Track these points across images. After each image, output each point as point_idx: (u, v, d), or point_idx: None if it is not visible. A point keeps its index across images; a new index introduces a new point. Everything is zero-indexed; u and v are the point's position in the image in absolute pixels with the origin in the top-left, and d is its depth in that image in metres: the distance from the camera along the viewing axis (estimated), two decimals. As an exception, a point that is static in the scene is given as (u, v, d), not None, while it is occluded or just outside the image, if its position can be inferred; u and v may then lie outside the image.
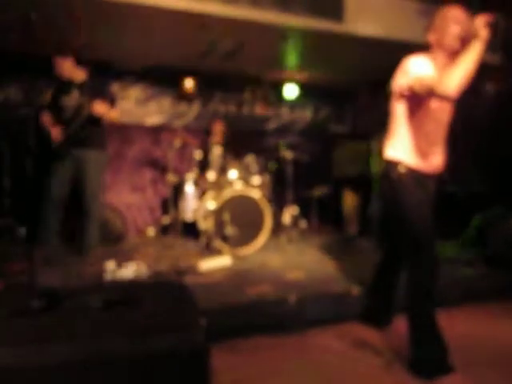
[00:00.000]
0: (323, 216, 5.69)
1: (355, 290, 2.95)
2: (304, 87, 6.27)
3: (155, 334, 1.24)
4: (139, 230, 5.55)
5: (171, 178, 4.93)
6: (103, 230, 4.83)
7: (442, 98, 1.99)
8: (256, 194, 4.28)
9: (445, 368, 2.09)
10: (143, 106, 5.73)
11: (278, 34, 4.25)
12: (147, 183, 5.69)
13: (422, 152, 2.25)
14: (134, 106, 5.69)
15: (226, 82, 6.01)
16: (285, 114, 6.48)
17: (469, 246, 3.99)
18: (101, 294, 1.56)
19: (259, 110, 6.26)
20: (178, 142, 4.89)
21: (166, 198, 5.29)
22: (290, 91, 6.18)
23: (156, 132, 5.74)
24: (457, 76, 1.91)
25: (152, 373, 1.25)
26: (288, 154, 4.88)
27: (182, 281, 2.83)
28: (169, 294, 1.67)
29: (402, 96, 2.22)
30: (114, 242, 4.84)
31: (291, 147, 4.97)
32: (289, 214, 4.97)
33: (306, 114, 6.62)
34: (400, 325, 2.68)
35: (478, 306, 3.13)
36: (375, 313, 2.74)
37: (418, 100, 2.17)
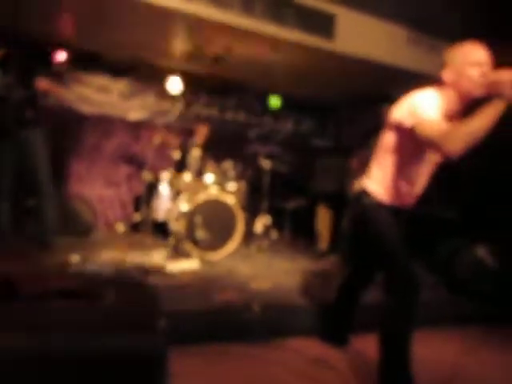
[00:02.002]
0: (296, 229, 5.70)
1: (318, 305, 2.96)
2: (288, 99, 6.31)
3: (111, 333, 1.21)
4: (109, 224, 5.45)
5: (147, 175, 4.87)
6: (71, 220, 4.75)
7: (443, 154, 1.87)
8: (230, 200, 4.27)
9: None
10: (126, 100, 5.66)
11: (268, 44, 4.27)
12: (122, 178, 5.60)
13: (397, 190, 2.21)
14: (117, 99, 5.61)
15: (211, 86, 6.00)
16: (267, 123, 6.50)
17: (433, 271, 4.05)
18: (59, 286, 1.52)
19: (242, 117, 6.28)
20: (157, 140, 4.84)
21: (140, 196, 5.22)
22: (275, 101, 6.20)
23: (136, 128, 5.67)
24: (465, 137, 1.74)
25: (104, 373, 1.22)
26: (266, 164, 4.90)
27: (146, 280, 2.79)
28: (131, 292, 1.64)
29: (399, 130, 2.08)
30: (82, 233, 4.73)
31: (270, 157, 4.99)
32: (261, 223, 4.97)
33: (289, 125, 6.66)
34: (359, 344, 2.71)
35: (435, 330, 3.18)
36: (335, 331, 2.75)
37: (414, 140, 2.00)
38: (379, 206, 2.23)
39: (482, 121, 1.73)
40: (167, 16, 3.83)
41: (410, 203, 2.31)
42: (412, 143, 2.04)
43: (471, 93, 1.96)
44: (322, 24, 4.14)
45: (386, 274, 2.21)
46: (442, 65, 2.06)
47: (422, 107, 1.93)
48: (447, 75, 2.02)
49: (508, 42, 4.16)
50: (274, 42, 4.21)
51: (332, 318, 2.77)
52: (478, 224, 4.13)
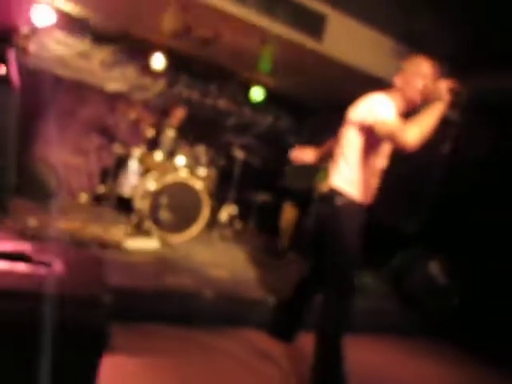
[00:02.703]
0: (261, 222, 5.73)
1: (271, 299, 3.00)
2: (270, 93, 6.30)
3: (53, 301, 1.20)
4: (72, 193, 5.33)
5: (118, 148, 4.79)
6: (33, 183, 4.63)
7: (400, 148, 2.05)
8: (199, 185, 4.25)
9: None
10: (107, 69, 5.53)
11: (257, 35, 4.25)
12: (92, 148, 5.48)
13: (365, 184, 2.32)
14: (97, 67, 5.47)
15: (195, 69, 5.93)
16: (246, 114, 6.48)
17: (387, 281, 4.16)
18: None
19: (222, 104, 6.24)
20: (132, 115, 4.76)
21: (107, 168, 5.13)
22: (257, 94, 6.18)
23: (113, 99, 5.55)
24: (419, 132, 2.01)
25: (41, 341, 1.20)
26: (240, 154, 4.89)
27: (101, 254, 2.75)
28: (80, 263, 1.62)
29: (361, 128, 2.26)
30: (43, 198, 4.62)
31: (245, 148, 4.98)
32: (227, 212, 4.97)
33: (268, 120, 6.66)
34: (305, 342, 2.76)
35: (383, 337, 3.28)
36: (284, 327, 2.79)
37: (374, 136, 2.21)
38: (352, 206, 2.30)
39: (430, 119, 2.05)
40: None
41: (372, 197, 2.43)
42: (372, 138, 2.25)
43: (413, 100, 2.28)
44: (313, 23, 4.15)
45: (332, 277, 2.30)
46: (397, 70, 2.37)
47: (380, 107, 2.18)
48: (398, 81, 2.33)
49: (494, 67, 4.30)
50: (263, 34, 4.19)
51: (284, 314, 2.80)
52: (436, 239, 4.25)
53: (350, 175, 2.31)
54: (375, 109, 2.18)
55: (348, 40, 4.39)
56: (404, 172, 4.00)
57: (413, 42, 4.75)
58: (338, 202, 2.30)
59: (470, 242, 4.02)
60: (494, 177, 4.22)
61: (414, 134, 2.00)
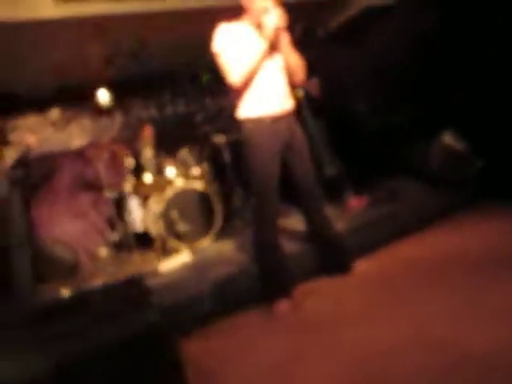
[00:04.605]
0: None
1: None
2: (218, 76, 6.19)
3: (106, 322, 1.17)
4: (91, 254, 5.30)
5: (109, 193, 4.74)
6: (52, 267, 4.59)
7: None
8: (198, 185, 4.20)
9: None
10: (64, 129, 5.48)
11: (178, 20, 4.15)
12: (87, 206, 5.44)
13: (259, 100, 2.43)
14: (53, 132, 5.42)
15: (142, 87, 5.84)
16: (209, 105, 6.39)
17: (415, 176, 4.01)
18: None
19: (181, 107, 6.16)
20: (106, 156, 4.70)
21: (111, 215, 5.09)
22: (206, 78, 6.07)
23: (83, 152, 5.49)
24: (239, 74, 2.36)
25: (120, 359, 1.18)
26: (221, 138, 4.80)
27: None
28: (120, 289, 1.59)
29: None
30: (69, 275, 4.59)
31: (222, 131, 4.89)
32: (237, 196, 4.91)
33: (229, 101, 6.55)
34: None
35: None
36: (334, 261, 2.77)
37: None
38: (258, 126, 2.41)
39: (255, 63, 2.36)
40: (72, 26, 3.68)
41: (284, 107, 2.51)
42: None
43: (256, 21, 2.43)
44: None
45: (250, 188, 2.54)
46: None
47: (217, 39, 2.40)
48: (244, 1, 2.45)
49: None
50: (182, 16, 4.11)
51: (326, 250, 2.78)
52: (441, 117, 4.09)
53: (242, 102, 2.47)
54: (215, 40, 2.41)
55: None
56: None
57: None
58: (244, 129, 2.47)
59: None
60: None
61: (236, 76, 2.34)
